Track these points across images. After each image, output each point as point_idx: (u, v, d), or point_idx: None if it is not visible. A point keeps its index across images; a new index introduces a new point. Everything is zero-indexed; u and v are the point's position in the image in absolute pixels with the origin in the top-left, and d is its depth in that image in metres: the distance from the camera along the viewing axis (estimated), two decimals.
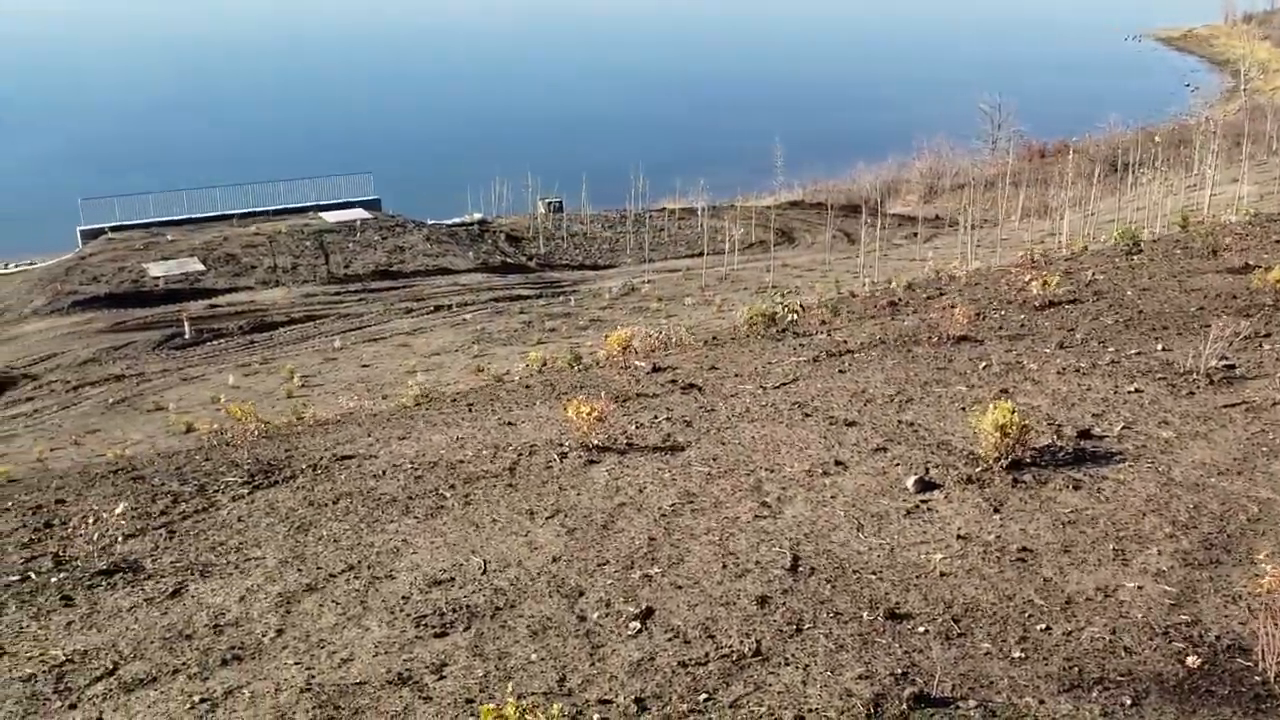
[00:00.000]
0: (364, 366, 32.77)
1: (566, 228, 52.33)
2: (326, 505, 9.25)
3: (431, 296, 41.61)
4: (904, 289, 22.52)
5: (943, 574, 7.19)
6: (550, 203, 54.72)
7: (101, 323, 38.41)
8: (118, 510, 9.14)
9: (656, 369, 14.25)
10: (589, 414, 9.98)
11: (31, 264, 45.05)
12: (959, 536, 7.77)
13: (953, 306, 15.51)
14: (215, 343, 37.05)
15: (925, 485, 8.71)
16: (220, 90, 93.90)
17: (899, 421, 10.36)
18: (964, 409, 10.47)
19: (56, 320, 38.83)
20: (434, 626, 6.77)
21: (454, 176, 56.67)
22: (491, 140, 71.63)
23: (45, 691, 6.31)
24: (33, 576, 8.19)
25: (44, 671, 6.54)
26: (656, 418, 11.26)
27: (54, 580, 8.06)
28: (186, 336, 36.88)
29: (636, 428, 10.93)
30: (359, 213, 48.73)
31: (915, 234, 52.58)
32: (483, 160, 58.86)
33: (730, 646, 6.36)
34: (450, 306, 40.16)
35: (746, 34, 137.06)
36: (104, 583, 7.91)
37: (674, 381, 13.19)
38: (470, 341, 35.06)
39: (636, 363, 14.86)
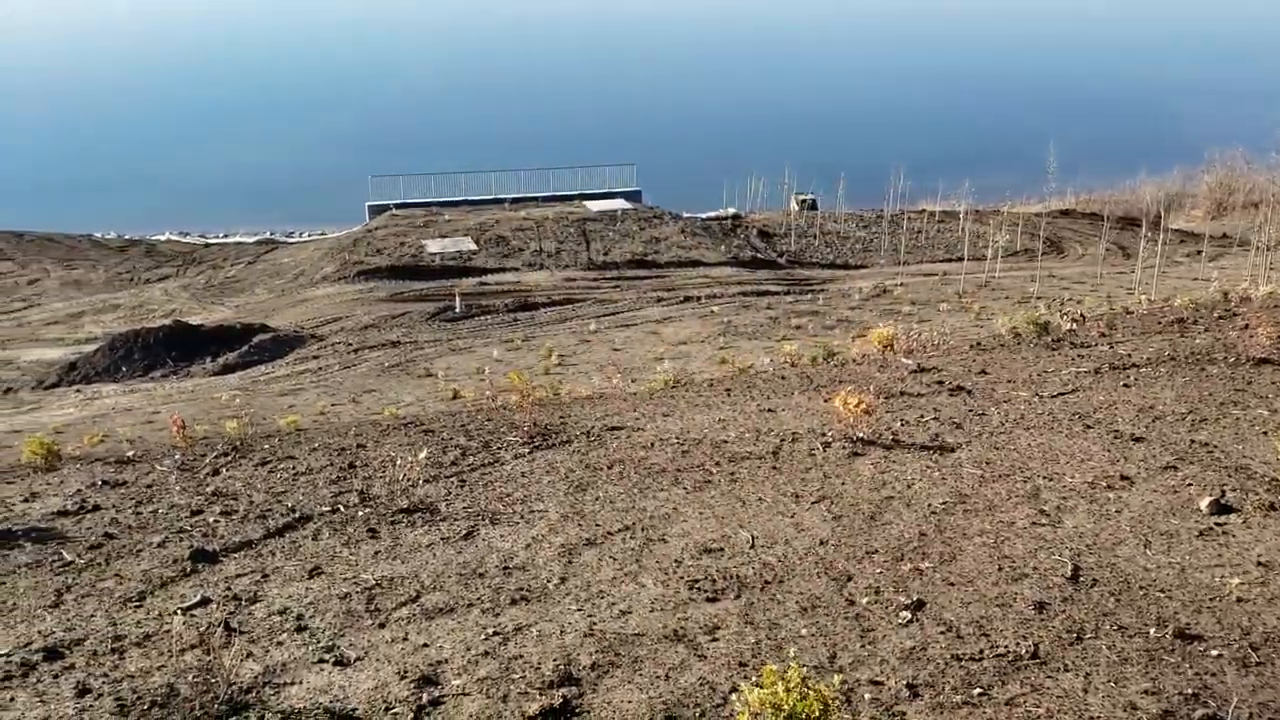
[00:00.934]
0: (615, 350, 33.84)
1: (819, 225, 51.96)
2: (601, 469, 9.72)
3: (682, 287, 42.44)
4: (1190, 307, 20.97)
5: (1239, 599, 6.73)
6: (804, 199, 54.51)
7: (382, 292, 41.59)
8: (421, 456, 9.96)
9: (920, 369, 13.99)
10: (855, 406, 9.96)
11: (323, 234, 49.33)
12: (1259, 563, 7.24)
13: (1252, 326, 14.35)
14: (482, 318, 39.32)
15: (1221, 508, 8.16)
16: (510, 78, 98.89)
17: (1191, 441, 9.73)
18: (1265, 433, 9.72)
19: (343, 287, 42.40)
20: (705, 591, 7.00)
21: (712, 170, 57.52)
22: (752, 135, 72.15)
23: (358, 609, 6.99)
24: (341, 509, 9.07)
25: (357, 592, 7.25)
26: (923, 416, 11.08)
27: (360, 514, 8.89)
28: (457, 311, 39.33)
29: (902, 424, 10.81)
30: (620, 203, 50.32)
31: (1199, 251, 48.73)
32: (741, 155, 59.45)
33: (1005, 646, 6.22)
34: (699, 298, 40.82)
35: (1032, 31, 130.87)
36: (404, 520, 8.66)
37: (940, 383, 12.92)
38: (716, 333, 35.51)
39: (902, 360, 14.64)
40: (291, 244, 48.19)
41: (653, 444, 10.59)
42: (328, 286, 42.56)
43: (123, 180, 56.36)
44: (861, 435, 10.19)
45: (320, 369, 34.35)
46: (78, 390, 32.83)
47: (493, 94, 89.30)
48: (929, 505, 8.45)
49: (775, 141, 67.61)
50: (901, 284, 42.83)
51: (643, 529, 8.14)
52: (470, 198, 50.10)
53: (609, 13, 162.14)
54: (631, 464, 9.86)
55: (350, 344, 36.87)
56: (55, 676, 6.21)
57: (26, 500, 9.99)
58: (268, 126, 73.15)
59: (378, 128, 73.39)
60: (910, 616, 6.63)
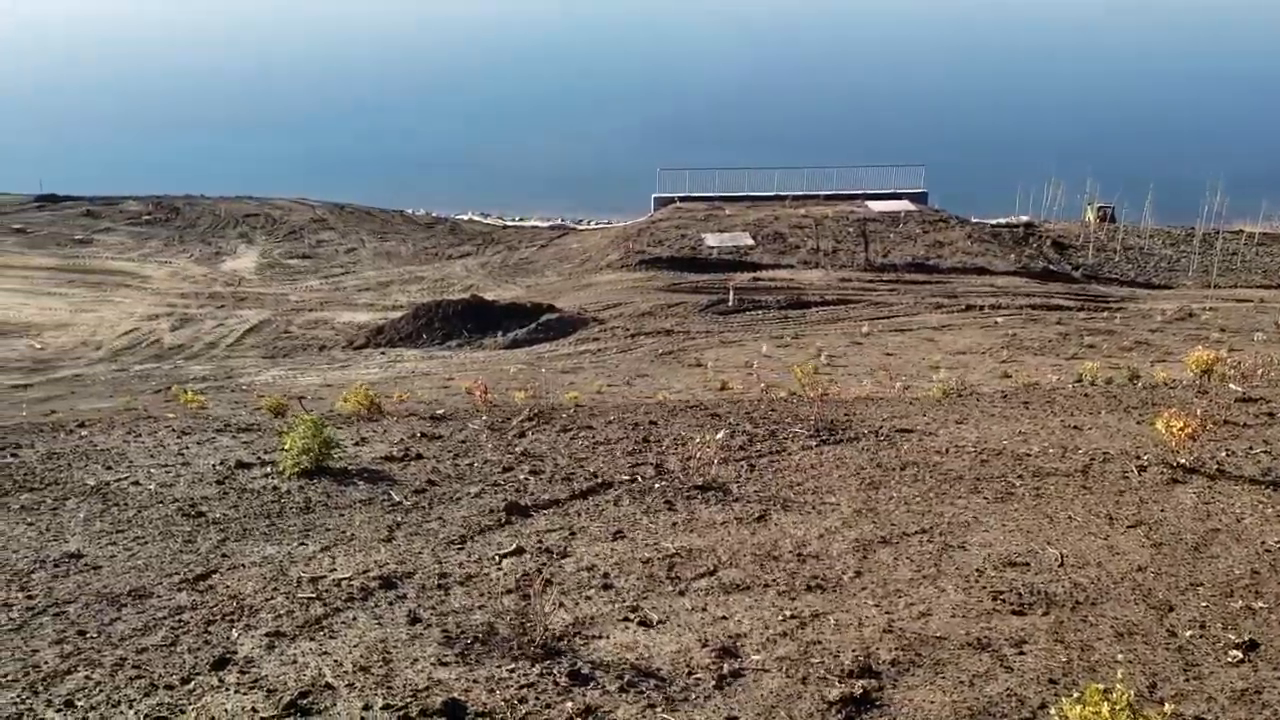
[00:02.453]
0: (887, 354, 33.11)
1: (1120, 240, 48.54)
2: (894, 470, 9.57)
3: (964, 295, 40.91)
4: None
5: None
6: (1100, 208, 51.01)
7: (660, 282, 42.70)
8: (718, 436, 10.21)
9: (1246, 398, 12.82)
10: (1180, 429, 9.27)
11: (609, 223, 51.21)
12: None
13: None
14: (753, 313, 39.56)
15: None
16: (807, 75, 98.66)
17: None
18: None
19: (624, 275, 43.86)
20: (1011, 603, 6.76)
21: (1005, 175, 54.97)
22: (1051, 140, 68.30)
23: (659, 575, 7.26)
24: (639, 479, 9.44)
25: (658, 559, 7.53)
26: (1252, 448, 10.16)
27: (656, 486, 9.22)
28: (730, 304, 39.77)
29: (1227, 455, 9.96)
30: (904, 204, 49.13)
31: None
32: (1038, 160, 56.39)
33: None
34: (982, 307, 39.20)
35: None
36: (699, 496, 8.90)
37: (1271, 414, 11.79)
38: (999, 345, 33.98)
39: (1231, 386, 13.48)
40: (581, 230, 50.37)
41: (947, 450, 10.31)
42: (610, 273, 44.16)
43: (435, 161, 60.89)
44: (1182, 462, 9.47)
45: (599, 351, 35.71)
46: (382, 352, 35.83)
47: (787, 91, 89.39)
48: (1262, 542, 7.75)
49: (1076, 147, 63.67)
50: (1210, 308, 39.31)
51: (940, 533, 7.96)
52: (751, 193, 50.46)
53: (916, 6, 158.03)
54: (925, 467, 9.65)
55: (628, 329, 38.08)
56: (390, 604, 6.84)
57: (357, 444, 11.03)
58: (570, 118, 76.86)
59: (671, 122, 75.27)
60: (1241, 656, 6.13)
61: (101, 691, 5.73)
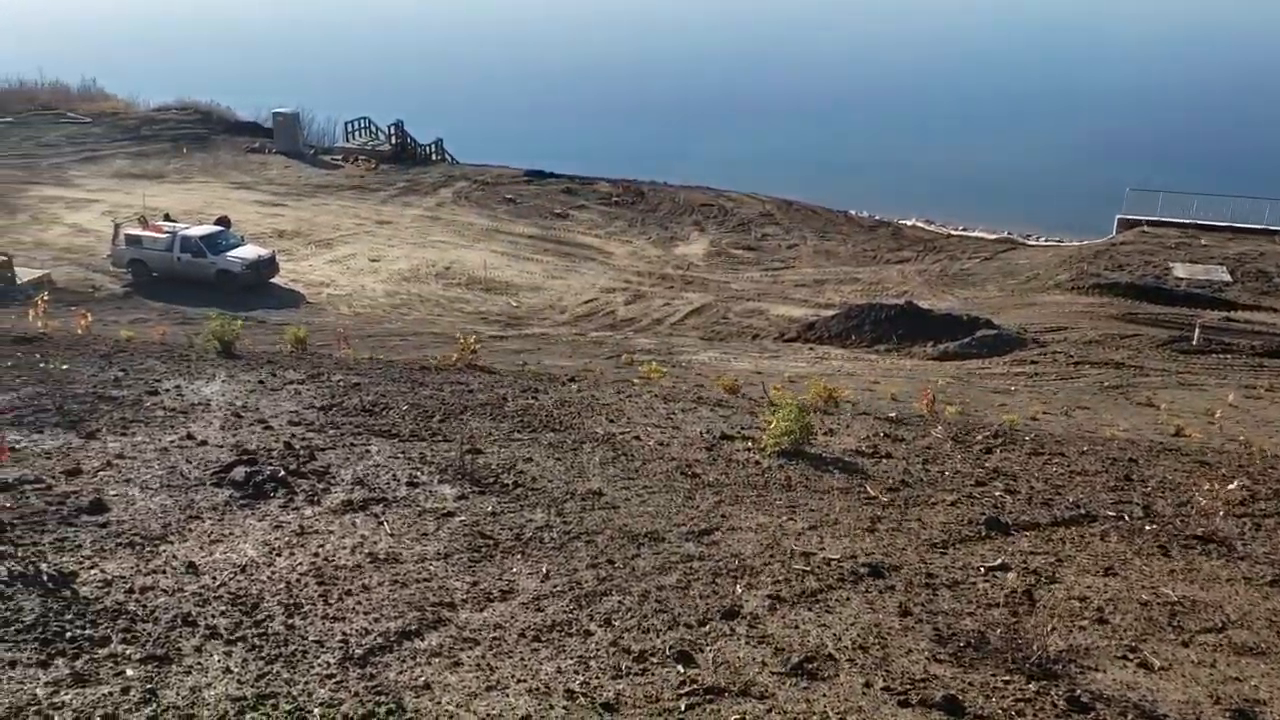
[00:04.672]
0: None
1: None
2: None
3: None
4: None
5: None
6: None
7: (1114, 309, 39.64)
8: (1230, 486, 9.47)
9: None
10: None
11: (1060, 242, 48.29)
12: None
13: None
14: (1221, 356, 35.57)
15: None
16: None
17: None
18: None
19: (1074, 298, 41.20)
20: None
21: None
22: None
23: (1159, 620, 6.93)
24: (1126, 518, 8.97)
25: (1157, 604, 7.18)
26: None
27: (1147, 528, 8.72)
28: (1194, 342, 36.07)
29: None
30: None
31: None
32: None
33: None
34: None
35: None
36: (1198, 547, 8.32)
37: None
38: None
39: None
40: (1029, 246, 48.04)
41: None
42: (1058, 294, 41.71)
43: (883, 162, 60.84)
44: None
45: (1036, 374, 33.95)
46: (811, 348, 36.51)
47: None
48: None
49: None
50: None
51: None
52: (1235, 224, 45.27)
53: None
54: None
55: (1071, 356, 35.80)
56: (880, 592, 7.10)
57: (826, 434, 11.45)
58: (1025, 125, 73.42)
59: (1136, 137, 69.41)
60: None
61: (633, 617, 6.51)
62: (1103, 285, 40.88)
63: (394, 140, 55.48)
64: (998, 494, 9.46)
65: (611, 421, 11.14)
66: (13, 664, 5.41)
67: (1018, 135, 69.95)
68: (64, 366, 10.93)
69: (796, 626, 6.50)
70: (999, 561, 7.70)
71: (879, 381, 30.70)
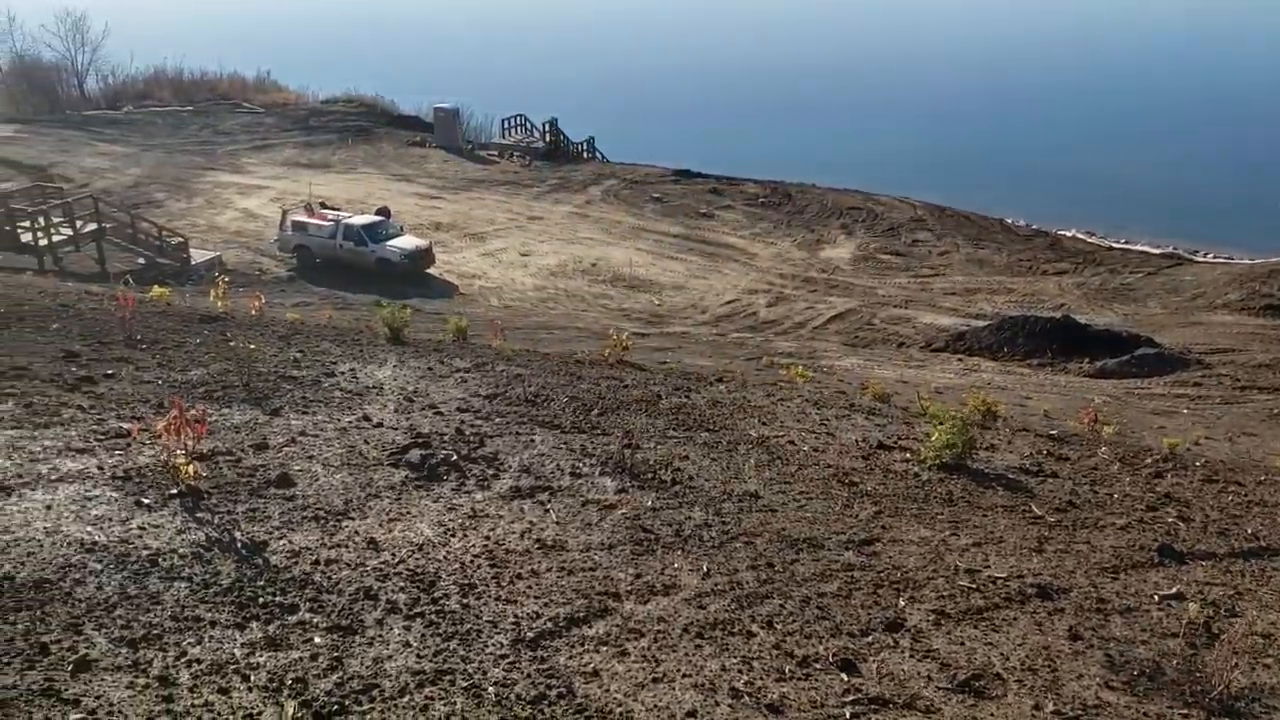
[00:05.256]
0: None
1: None
2: None
3: None
4: None
5: None
6: None
7: None
8: None
9: None
10: None
11: (1231, 259, 45.79)
12: None
13: None
14: None
15: None
16: None
17: None
18: None
19: (1243, 318, 39.04)
20: None
21: None
22: None
23: None
24: None
25: None
26: None
27: None
28: None
29: None
30: None
31: None
32: None
33: None
34: None
35: None
36: None
37: None
38: None
39: None
40: (1196, 263, 45.71)
41: None
42: (1225, 314, 39.59)
43: (1044, 173, 58.75)
44: None
45: (1198, 397, 32.34)
46: (959, 359, 35.60)
47: None
48: None
49: None
50: None
51: None
52: None
53: None
54: None
55: (1237, 379, 33.96)
56: (1049, 614, 6.94)
57: (986, 449, 11.20)
58: (1197, 137, 69.81)
59: None
60: None
61: (795, 621, 6.54)
62: (1276, 306, 38.61)
63: (548, 138, 56.60)
64: (1170, 520, 9.10)
65: (764, 424, 11.16)
66: (213, 624, 5.78)
67: (1191, 144, 66.56)
68: (251, 347, 11.59)
69: (962, 643, 6.41)
70: (1174, 590, 7.42)
71: (1031, 397, 29.77)
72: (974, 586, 7.22)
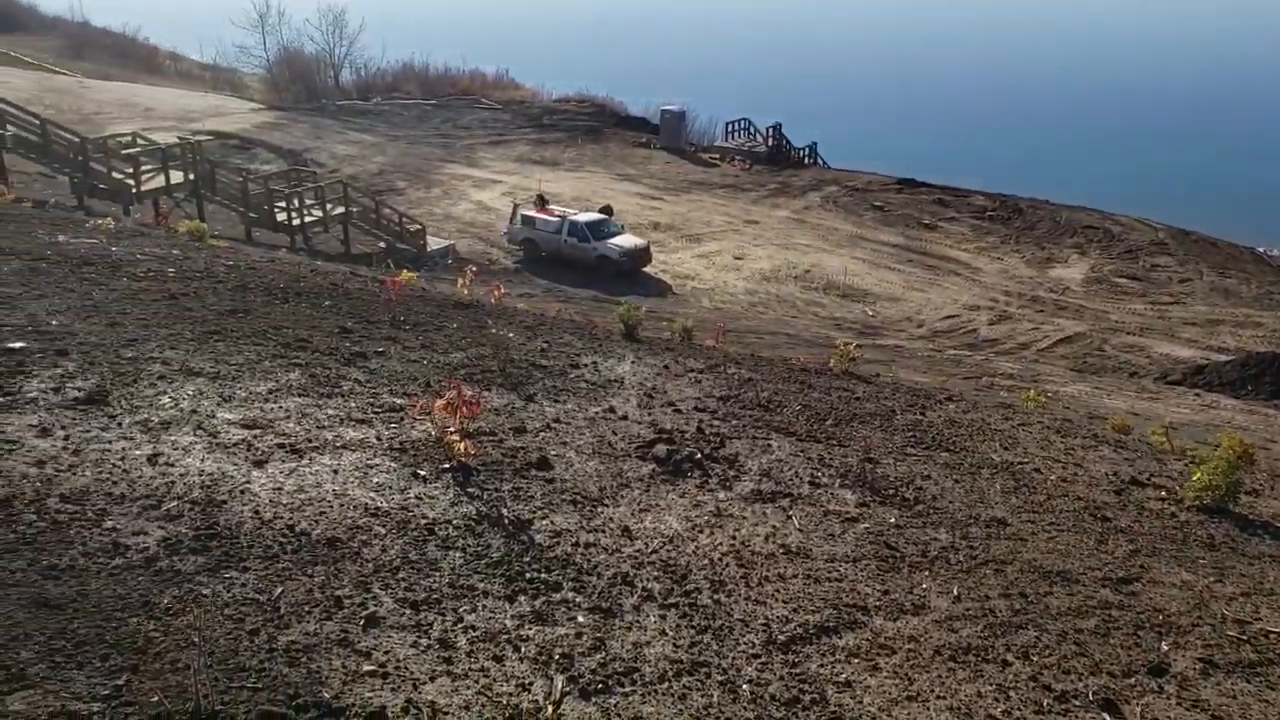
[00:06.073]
0: None
1: None
2: None
3: None
4: None
5: None
6: None
7: None
8: None
9: None
10: None
11: None
12: None
13: None
14: None
15: None
16: None
17: None
18: None
19: None
20: None
21: None
22: None
23: None
24: None
25: None
26: None
27: None
28: None
29: None
30: None
31: None
32: None
33: None
34: None
35: None
36: None
37: None
38: None
39: None
40: None
41: None
42: None
43: None
44: None
45: None
46: (1197, 394, 33.28)
47: None
48: None
49: None
50: None
51: None
52: None
53: None
54: None
55: None
56: None
57: (1250, 494, 10.47)
58: None
59: None
60: None
61: (1052, 655, 6.36)
62: None
63: (770, 142, 56.64)
64: None
65: (1006, 449, 10.84)
66: (486, 594, 6.16)
67: None
68: (509, 335, 12.22)
69: (1234, 696, 6.07)
70: None
71: (1276, 440, 27.60)
72: (1244, 638, 6.80)
